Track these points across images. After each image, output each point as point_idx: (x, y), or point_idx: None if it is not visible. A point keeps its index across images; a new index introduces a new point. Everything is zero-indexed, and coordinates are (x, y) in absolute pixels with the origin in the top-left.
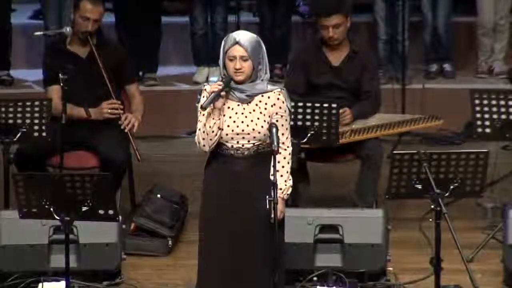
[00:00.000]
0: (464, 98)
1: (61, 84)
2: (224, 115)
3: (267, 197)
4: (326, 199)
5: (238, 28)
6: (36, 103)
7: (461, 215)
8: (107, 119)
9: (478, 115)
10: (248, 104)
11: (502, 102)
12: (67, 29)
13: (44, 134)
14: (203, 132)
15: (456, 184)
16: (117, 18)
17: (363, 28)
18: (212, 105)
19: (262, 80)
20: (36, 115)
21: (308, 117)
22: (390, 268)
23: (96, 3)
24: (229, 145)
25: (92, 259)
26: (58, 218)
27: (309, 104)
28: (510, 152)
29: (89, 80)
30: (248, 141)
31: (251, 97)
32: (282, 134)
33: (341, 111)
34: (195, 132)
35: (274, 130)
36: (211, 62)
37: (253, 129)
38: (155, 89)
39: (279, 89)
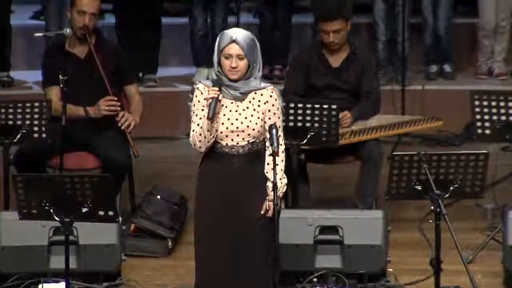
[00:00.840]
0: (464, 99)
1: (61, 85)
2: (218, 113)
3: (267, 197)
4: (326, 200)
5: None
6: (36, 104)
7: (461, 216)
8: (105, 117)
9: (478, 116)
10: (241, 102)
11: (502, 104)
12: (67, 30)
13: (44, 135)
14: (200, 134)
15: (456, 185)
16: (117, 19)
17: (363, 29)
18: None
19: (255, 77)
20: (36, 116)
21: (308, 118)
22: (390, 269)
23: None
24: (223, 143)
25: (92, 260)
26: (58, 219)
27: (309, 105)
28: (510, 153)
29: (88, 80)
30: (243, 139)
31: (244, 95)
32: None
33: (341, 115)
34: None
35: (274, 131)
36: (210, 63)
37: (248, 126)
38: (155, 90)
39: (271, 86)
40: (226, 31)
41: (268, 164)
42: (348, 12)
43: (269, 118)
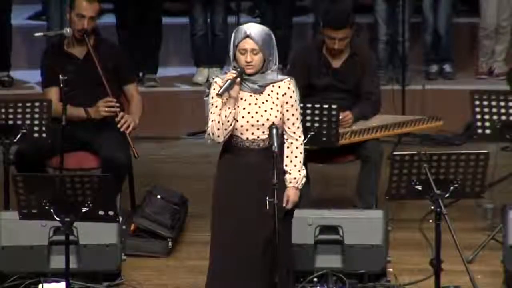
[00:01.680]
0: (464, 99)
1: (61, 85)
2: (237, 107)
3: (267, 198)
4: (326, 200)
5: None
6: (36, 104)
7: (461, 216)
8: (105, 117)
9: (478, 116)
10: (260, 95)
11: (502, 103)
12: (68, 30)
13: (44, 135)
14: (218, 122)
15: (456, 185)
16: (117, 19)
17: (364, 28)
18: (227, 93)
19: (272, 70)
20: (36, 116)
21: (308, 118)
22: (390, 269)
23: (91, 0)
24: (244, 137)
25: (92, 260)
26: (58, 219)
27: (309, 105)
28: (510, 153)
29: (87, 80)
30: (263, 132)
31: (263, 87)
32: (293, 124)
33: (342, 115)
34: (195, 133)
35: (274, 131)
36: (211, 63)
37: (267, 119)
38: (155, 90)
39: (288, 79)
40: (240, 27)
41: (287, 156)
42: (353, 18)
43: (287, 110)
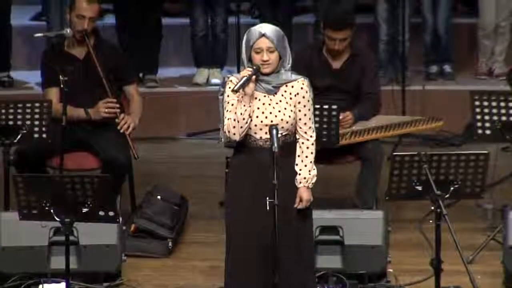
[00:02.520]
0: (464, 99)
1: (61, 86)
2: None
3: (267, 198)
4: (326, 201)
5: (238, 30)
6: (36, 104)
7: (461, 216)
8: (105, 118)
9: (478, 117)
10: (274, 95)
11: (502, 104)
12: (68, 31)
13: (44, 135)
14: (234, 120)
15: (456, 186)
16: (117, 20)
17: (364, 29)
18: (242, 90)
19: (285, 70)
20: (36, 116)
21: None
22: (390, 270)
23: (92, 0)
24: (257, 136)
25: (92, 260)
26: (58, 219)
27: None
28: (510, 154)
29: (87, 81)
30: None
31: (277, 88)
32: (305, 123)
33: (342, 115)
34: (195, 134)
35: (274, 132)
36: (211, 63)
37: (282, 119)
38: (155, 91)
39: (302, 78)
40: (252, 28)
41: (298, 156)
42: (353, 19)
43: (299, 110)
